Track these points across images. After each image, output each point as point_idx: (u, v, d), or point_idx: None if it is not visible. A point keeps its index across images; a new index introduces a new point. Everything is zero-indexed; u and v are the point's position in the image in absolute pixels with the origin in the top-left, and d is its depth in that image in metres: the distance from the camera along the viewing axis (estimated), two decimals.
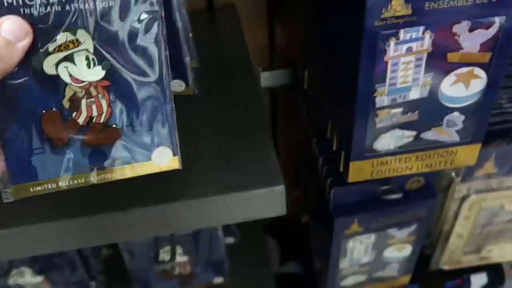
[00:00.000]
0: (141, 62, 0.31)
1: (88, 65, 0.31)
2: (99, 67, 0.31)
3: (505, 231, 0.63)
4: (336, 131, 0.45)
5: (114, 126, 0.32)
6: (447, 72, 0.37)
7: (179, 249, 0.53)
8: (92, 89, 0.31)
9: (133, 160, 0.33)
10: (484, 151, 0.53)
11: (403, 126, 0.40)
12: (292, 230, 0.81)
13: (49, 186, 0.33)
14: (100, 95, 0.32)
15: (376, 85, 0.37)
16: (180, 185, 0.41)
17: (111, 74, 0.31)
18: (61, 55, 0.30)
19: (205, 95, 0.47)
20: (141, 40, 0.30)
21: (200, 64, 0.48)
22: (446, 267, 0.65)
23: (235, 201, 0.41)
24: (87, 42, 0.30)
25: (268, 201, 0.42)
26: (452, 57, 0.36)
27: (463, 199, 0.57)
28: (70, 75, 0.31)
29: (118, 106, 0.32)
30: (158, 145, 0.33)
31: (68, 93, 0.31)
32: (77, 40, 0.30)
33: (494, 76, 0.38)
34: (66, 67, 0.30)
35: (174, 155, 0.34)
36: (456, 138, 0.42)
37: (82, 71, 0.30)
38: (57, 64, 0.30)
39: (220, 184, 0.41)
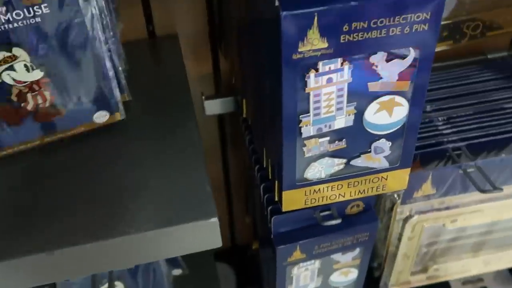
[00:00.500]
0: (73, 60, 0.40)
1: (27, 70, 0.41)
2: (37, 70, 0.41)
3: (449, 249, 0.64)
4: (270, 160, 0.46)
5: (58, 107, 0.43)
6: (369, 101, 0.38)
7: (119, 285, 0.52)
8: (34, 86, 0.42)
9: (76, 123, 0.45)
10: (421, 173, 0.55)
11: (332, 154, 0.41)
12: (247, 256, 0.80)
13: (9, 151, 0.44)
14: (42, 89, 0.42)
15: (300, 116, 0.38)
16: (112, 220, 0.40)
17: (49, 72, 0.41)
18: (2, 67, 0.40)
19: (140, 126, 0.47)
20: (71, 47, 0.39)
21: (137, 94, 0.48)
22: None
23: (169, 236, 0.41)
24: (23, 55, 0.40)
25: (203, 234, 0.42)
26: (372, 86, 0.37)
27: (406, 220, 0.58)
28: (14, 79, 0.41)
29: (59, 92, 0.42)
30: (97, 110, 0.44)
31: (14, 91, 0.41)
32: (13, 55, 0.39)
33: (415, 103, 0.39)
34: (9, 74, 0.40)
35: (111, 114, 0.45)
36: (385, 164, 0.43)
37: (22, 75, 0.41)
38: (0, 73, 0.40)
39: (154, 218, 0.41)
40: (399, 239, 0.59)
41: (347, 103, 0.38)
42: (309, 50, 0.34)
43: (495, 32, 0.61)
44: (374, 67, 0.36)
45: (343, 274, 0.58)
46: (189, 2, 0.62)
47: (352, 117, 0.39)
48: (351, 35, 0.34)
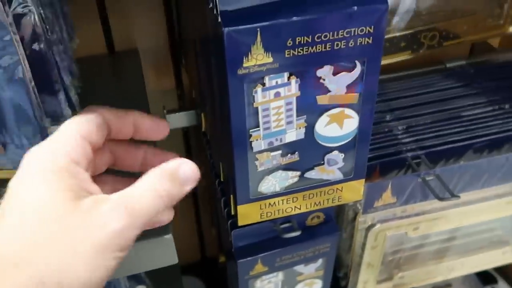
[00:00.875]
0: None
1: None
2: None
3: (413, 257, 0.65)
4: (227, 175, 0.45)
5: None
6: (319, 114, 0.38)
7: None
8: None
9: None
10: (380, 182, 0.55)
11: (286, 167, 0.41)
12: (217, 269, 0.80)
13: None
14: None
15: (250, 130, 0.38)
16: None
17: None
18: None
19: None
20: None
21: None
22: None
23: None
24: None
25: (158, 251, 0.42)
26: (321, 100, 0.38)
27: (368, 229, 0.58)
28: None
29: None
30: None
31: None
32: None
33: (365, 115, 0.39)
34: None
35: None
36: (339, 175, 0.43)
37: None
38: None
39: None
40: (363, 249, 0.60)
41: (297, 116, 0.38)
42: (254, 65, 0.34)
43: (452, 42, 0.62)
44: (321, 81, 0.36)
45: (307, 285, 0.58)
46: (150, 18, 0.62)
47: (303, 130, 0.39)
48: (296, 49, 0.34)
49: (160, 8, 0.62)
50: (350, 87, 0.37)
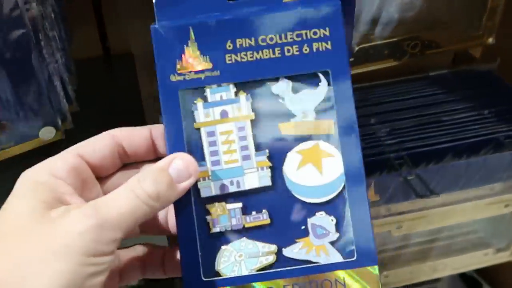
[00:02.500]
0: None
1: None
2: None
3: (397, 257, 0.67)
4: None
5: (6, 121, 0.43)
6: (286, 150, 0.30)
7: None
8: None
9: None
10: None
11: (253, 235, 0.30)
12: None
13: None
14: None
15: None
16: None
17: None
18: None
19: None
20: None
21: (86, 108, 0.49)
22: None
23: None
24: None
25: None
26: (284, 128, 0.30)
27: None
28: None
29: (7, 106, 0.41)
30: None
31: None
32: None
33: (349, 152, 0.30)
34: None
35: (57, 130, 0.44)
36: (335, 256, 0.30)
37: None
38: None
39: None
40: None
41: (256, 150, 0.30)
42: (190, 72, 0.29)
43: (434, 51, 0.65)
44: (280, 100, 0.30)
45: None
46: (145, 22, 0.65)
47: (267, 172, 0.29)
48: (238, 54, 0.29)
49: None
50: (319, 111, 0.30)
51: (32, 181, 0.26)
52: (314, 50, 0.29)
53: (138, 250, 0.32)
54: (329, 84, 0.30)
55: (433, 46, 0.65)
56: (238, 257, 0.30)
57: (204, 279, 0.29)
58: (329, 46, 0.29)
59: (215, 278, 0.29)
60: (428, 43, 0.64)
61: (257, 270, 0.29)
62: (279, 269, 0.29)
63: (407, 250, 0.67)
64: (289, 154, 0.30)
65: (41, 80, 0.41)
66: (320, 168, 0.30)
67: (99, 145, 0.29)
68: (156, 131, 0.30)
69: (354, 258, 0.29)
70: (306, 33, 0.29)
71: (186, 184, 0.28)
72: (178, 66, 0.29)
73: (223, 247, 0.29)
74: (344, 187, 0.29)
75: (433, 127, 0.62)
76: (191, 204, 0.29)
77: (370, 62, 0.61)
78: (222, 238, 0.29)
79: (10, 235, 0.25)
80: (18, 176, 0.43)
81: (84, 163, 0.28)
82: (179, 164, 0.27)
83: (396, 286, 0.69)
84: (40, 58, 0.40)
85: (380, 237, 0.63)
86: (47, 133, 0.45)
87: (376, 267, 0.29)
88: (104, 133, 0.29)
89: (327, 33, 0.29)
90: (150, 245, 0.32)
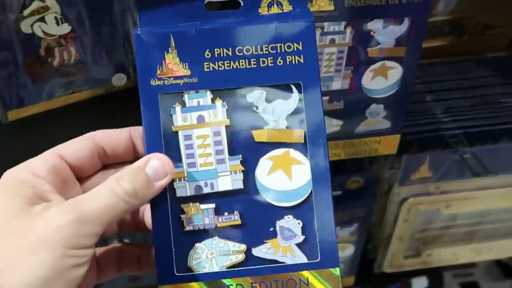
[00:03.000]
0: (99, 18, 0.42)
1: (57, 23, 0.40)
2: (66, 24, 0.41)
3: (442, 236, 0.67)
4: None
5: (82, 64, 0.43)
6: (258, 156, 0.32)
7: None
8: (62, 40, 0.42)
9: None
10: (419, 155, 0.57)
11: (225, 234, 0.32)
12: None
13: (34, 109, 0.43)
14: (69, 44, 0.42)
15: None
16: None
17: (76, 27, 0.41)
18: (35, 18, 0.40)
19: None
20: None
21: None
22: (388, 270, 0.68)
23: None
24: (54, 7, 0.40)
25: None
26: (258, 135, 0.32)
27: (402, 202, 0.61)
28: (43, 32, 0.40)
29: (84, 50, 0.42)
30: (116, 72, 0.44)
31: (43, 45, 0.42)
32: (46, 6, 0.39)
33: (316, 161, 0.32)
34: (40, 26, 0.40)
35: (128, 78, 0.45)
36: (300, 257, 0.32)
37: (52, 28, 0.41)
38: (32, 25, 0.40)
39: None
40: (395, 221, 0.62)
41: (229, 154, 0.31)
42: (169, 77, 0.31)
43: (493, 32, 0.64)
44: (254, 109, 0.31)
45: (341, 249, 0.60)
46: None
47: (239, 176, 0.31)
48: (216, 63, 0.31)
49: None
50: (290, 120, 0.32)
51: (13, 179, 0.28)
52: (288, 62, 0.31)
53: (114, 248, 0.33)
54: (300, 94, 0.31)
55: (493, 27, 0.64)
56: (210, 255, 0.31)
57: (177, 274, 0.31)
58: (301, 60, 0.31)
59: (188, 274, 0.31)
60: (489, 24, 0.63)
61: (227, 268, 0.31)
62: (248, 267, 0.31)
63: (453, 231, 0.66)
64: (261, 160, 0.31)
65: (117, 24, 0.42)
66: (289, 174, 0.31)
67: (79, 146, 0.30)
68: (135, 132, 0.31)
69: (318, 260, 0.31)
70: (280, 46, 0.31)
71: (162, 183, 0.29)
72: (158, 71, 0.31)
73: (196, 245, 0.31)
74: (311, 193, 0.31)
75: (490, 108, 0.61)
76: (167, 203, 0.31)
77: (430, 38, 0.60)
78: (195, 236, 0.31)
79: None
80: (88, 119, 0.45)
81: (64, 163, 0.30)
82: (155, 163, 0.29)
83: (437, 265, 0.69)
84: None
85: (428, 215, 0.63)
86: (119, 80, 0.46)
87: (338, 269, 0.31)
88: (84, 135, 0.31)
89: (300, 47, 0.31)
90: (125, 243, 0.34)
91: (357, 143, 0.44)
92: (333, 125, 0.43)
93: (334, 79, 0.40)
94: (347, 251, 0.60)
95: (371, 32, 0.37)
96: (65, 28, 0.41)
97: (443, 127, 0.58)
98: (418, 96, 0.62)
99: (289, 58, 0.31)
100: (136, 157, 0.32)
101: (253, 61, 0.31)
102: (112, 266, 0.33)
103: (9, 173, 0.28)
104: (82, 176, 0.31)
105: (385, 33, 0.37)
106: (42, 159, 0.29)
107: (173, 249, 0.31)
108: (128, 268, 0.33)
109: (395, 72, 0.40)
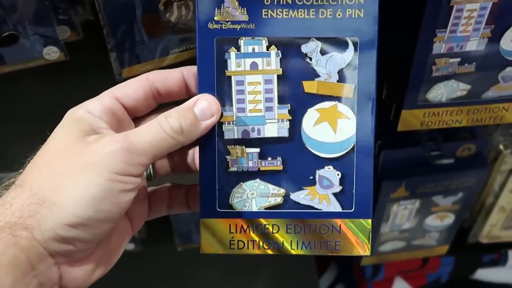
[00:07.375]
0: None
1: None
2: None
3: None
4: (387, 82, 0.44)
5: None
6: (306, 106, 0.32)
7: None
8: None
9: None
10: None
11: (266, 177, 0.33)
12: None
13: (148, 67, 0.42)
14: None
15: (221, 108, 0.32)
16: None
17: None
18: None
19: None
20: None
21: None
22: (484, 241, 0.64)
23: None
24: None
25: None
26: (308, 86, 0.32)
27: (511, 171, 0.56)
28: None
29: None
30: None
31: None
32: None
33: (363, 117, 0.32)
34: None
35: None
36: (335, 206, 0.33)
37: None
38: None
39: None
40: (500, 191, 0.58)
41: (278, 103, 0.32)
42: (227, 21, 0.31)
43: None
44: (308, 60, 0.32)
45: (439, 218, 0.58)
46: None
47: (286, 124, 0.32)
48: (274, 10, 0.31)
49: None
50: (342, 75, 0.32)
51: (72, 116, 0.30)
52: (347, 16, 0.31)
53: (165, 188, 0.35)
54: (355, 50, 0.31)
55: None
56: (250, 195, 0.33)
57: (219, 210, 0.33)
58: (361, 14, 0.31)
59: (228, 210, 0.33)
60: None
61: (265, 208, 0.33)
62: (285, 210, 0.33)
63: None
64: (308, 111, 0.32)
65: None
66: (334, 127, 0.32)
67: (134, 88, 0.32)
68: (188, 73, 0.32)
69: (352, 210, 0.32)
70: None
71: (208, 122, 0.31)
72: (216, 14, 0.31)
73: (238, 185, 0.33)
74: (353, 147, 0.32)
75: None
76: (214, 144, 0.32)
77: None
78: (238, 177, 0.33)
79: (50, 152, 0.29)
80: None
81: (119, 104, 0.31)
82: (203, 104, 0.31)
83: None
84: None
85: None
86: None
87: (370, 220, 0.32)
88: (139, 76, 0.32)
89: (362, 1, 0.31)
90: (175, 184, 0.36)
91: (482, 109, 0.41)
92: (460, 89, 0.40)
93: (470, 39, 0.37)
94: (446, 220, 0.57)
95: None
96: None
97: None
98: None
99: (348, 11, 0.31)
100: (189, 96, 0.33)
101: (312, 11, 0.31)
102: (163, 204, 0.35)
103: (69, 112, 0.30)
104: (137, 115, 0.33)
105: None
106: (99, 100, 0.31)
107: (217, 187, 0.33)
108: (177, 206, 0.35)
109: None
